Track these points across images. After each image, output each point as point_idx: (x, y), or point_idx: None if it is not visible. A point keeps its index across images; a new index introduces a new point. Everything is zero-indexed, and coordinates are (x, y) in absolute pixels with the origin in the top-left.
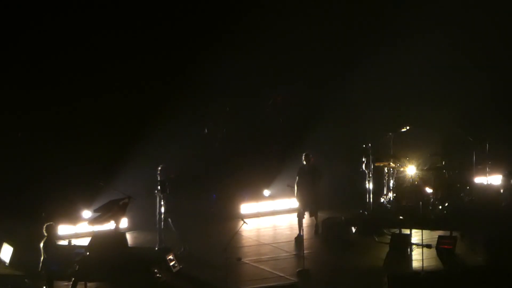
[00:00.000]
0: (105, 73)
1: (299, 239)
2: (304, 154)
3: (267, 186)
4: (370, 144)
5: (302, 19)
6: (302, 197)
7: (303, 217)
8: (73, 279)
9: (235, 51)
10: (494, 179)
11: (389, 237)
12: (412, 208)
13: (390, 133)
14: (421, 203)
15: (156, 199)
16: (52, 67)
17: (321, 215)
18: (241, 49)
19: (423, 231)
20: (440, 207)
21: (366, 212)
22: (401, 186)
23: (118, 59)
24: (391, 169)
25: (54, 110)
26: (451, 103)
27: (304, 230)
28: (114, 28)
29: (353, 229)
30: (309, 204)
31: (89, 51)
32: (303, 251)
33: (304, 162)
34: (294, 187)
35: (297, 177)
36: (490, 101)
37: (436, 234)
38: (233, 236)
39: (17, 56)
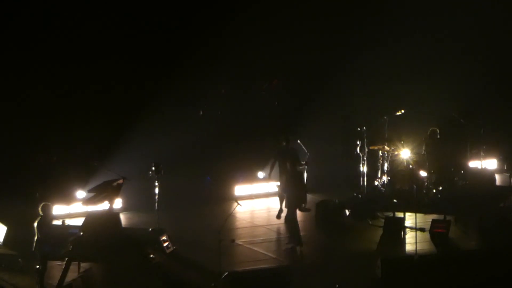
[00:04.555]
0: (100, 54)
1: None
2: (283, 136)
3: (261, 168)
4: (364, 128)
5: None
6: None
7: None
8: (66, 259)
9: (232, 35)
10: (488, 163)
11: (383, 220)
12: (406, 192)
13: (385, 117)
14: (415, 186)
15: (150, 180)
16: (46, 50)
17: (315, 198)
18: (238, 34)
19: (417, 214)
20: (434, 191)
21: (360, 195)
22: (395, 170)
23: (112, 41)
24: (386, 153)
25: (49, 92)
26: (446, 87)
27: (298, 212)
28: (109, 12)
29: (347, 212)
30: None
31: (82, 33)
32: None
33: (284, 144)
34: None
35: (273, 159)
36: (485, 85)
37: (430, 218)
38: (227, 218)
39: (13, 38)
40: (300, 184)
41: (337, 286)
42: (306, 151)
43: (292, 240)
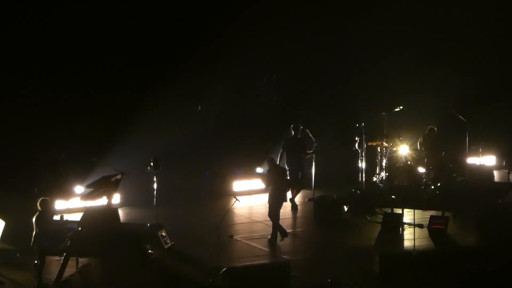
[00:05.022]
0: (100, 49)
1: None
2: (292, 126)
3: (259, 163)
4: (363, 124)
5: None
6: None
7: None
8: (64, 254)
9: (232, 32)
10: (486, 160)
11: (381, 216)
12: (404, 188)
13: (384, 113)
14: (413, 183)
15: (148, 176)
16: (46, 47)
17: (314, 193)
18: (238, 31)
19: (415, 210)
20: (433, 187)
21: (358, 191)
22: (394, 166)
23: (112, 39)
24: (384, 149)
25: (48, 87)
26: (445, 83)
27: (298, 207)
28: (109, 10)
29: (345, 208)
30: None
31: (83, 33)
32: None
33: (293, 133)
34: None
35: (281, 149)
36: (484, 82)
37: (428, 214)
38: (226, 214)
39: (14, 40)
40: (284, 179)
41: (329, 280)
42: (313, 139)
43: (273, 234)
